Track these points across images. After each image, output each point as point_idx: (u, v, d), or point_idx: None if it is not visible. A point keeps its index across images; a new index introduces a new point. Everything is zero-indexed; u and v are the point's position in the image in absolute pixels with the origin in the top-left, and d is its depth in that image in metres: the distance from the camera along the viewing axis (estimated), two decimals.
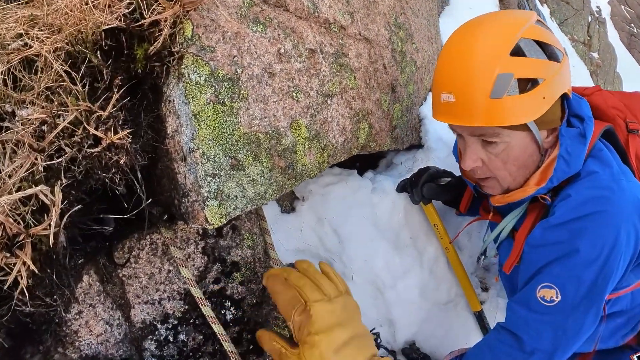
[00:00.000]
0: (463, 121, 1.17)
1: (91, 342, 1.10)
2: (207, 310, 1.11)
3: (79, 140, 0.97)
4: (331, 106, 1.30)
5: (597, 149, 1.26)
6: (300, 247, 1.59)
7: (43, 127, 0.98)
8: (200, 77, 0.99)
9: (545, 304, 1.17)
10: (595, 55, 6.69)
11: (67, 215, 0.94)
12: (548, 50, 1.18)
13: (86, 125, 0.97)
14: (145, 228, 1.09)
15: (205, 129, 1.00)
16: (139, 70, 1.00)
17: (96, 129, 0.98)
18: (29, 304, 0.93)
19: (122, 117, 1.01)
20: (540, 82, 1.14)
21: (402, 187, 1.69)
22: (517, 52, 1.13)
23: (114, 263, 1.14)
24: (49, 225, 0.90)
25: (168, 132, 1.04)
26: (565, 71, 1.21)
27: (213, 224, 1.03)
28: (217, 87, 1.02)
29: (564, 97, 1.25)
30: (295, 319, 0.68)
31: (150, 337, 1.18)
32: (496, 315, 1.76)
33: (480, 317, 1.72)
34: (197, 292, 1.12)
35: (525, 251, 1.28)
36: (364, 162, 1.89)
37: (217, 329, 1.11)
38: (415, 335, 1.66)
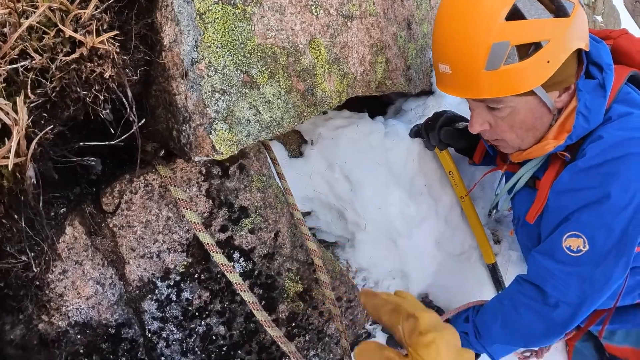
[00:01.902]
0: (460, 93, 1.08)
1: (80, 306, 0.89)
2: (219, 257, 0.89)
3: (52, 44, 0.72)
4: (351, 30, 1.06)
5: (624, 92, 1.12)
6: (309, 195, 1.39)
7: (4, 30, 0.72)
8: None
9: (572, 254, 1.07)
10: (599, 18, 6.29)
11: (34, 141, 0.70)
12: (554, 4, 1.01)
13: (61, 26, 0.72)
14: (138, 165, 0.86)
15: (213, 33, 0.76)
16: None
17: (74, 31, 0.73)
18: None
19: (107, 20, 0.75)
20: (544, 44, 0.98)
21: (415, 132, 1.49)
22: (514, 15, 0.97)
23: (103, 211, 0.91)
24: (9, 151, 0.66)
25: (165, 43, 0.80)
26: (577, 25, 1.03)
27: (222, 153, 0.81)
28: None
29: (580, 51, 1.09)
30: (405, 325, 0.59)
31: (149, 296, 0.97)
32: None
33: (493, 270, 1.57)
34: (205, 238, 0.90)
35: (550, 199, 1.16)
36: (371, 109, 1.67)
37: (233, 277, 0.90)
38: (428, 287, 1.50)
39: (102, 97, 0.77)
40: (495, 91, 1.02)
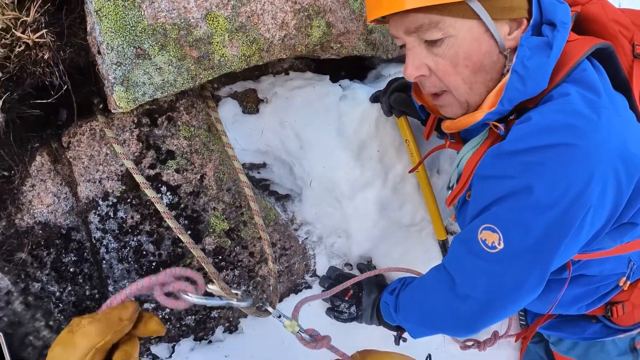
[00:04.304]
0: (388, 7, 1.08)
1: (42, 211, 1.49)
2: (140, 178, 1.37)
3: (10, 42, 1.29)
4: None
5: (579, 70, 1.10)
6: (261, 148, 1.80)
7: None
8: None
9: (486, 249, 1.10)
10: None
11: (1, 100, 1.28)
12: None
13: (14, 31, 1.27)
14: (76, 114, 1.41)
15: (107, 23, 1.23)
16: None
17: (23, 32, 1.28)
18: None
19: (44, 21, 1.29)
20: None
21: (375, 98, 1.73)
22: None
23: (63, 147, 1.49)
24: None
25: (88, 29, 1.30)
26: None
27: (122, 107, 1.30)
28: None
29: None
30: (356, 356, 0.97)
31: (93, 211, 1.53)
32: None
33: (444, 247, 1.79)
34: (130, 164, 1.39)
35: (473, 183, 1.21)
36: (351, 72, 1.97)
37: (160, 208, 1.37)
38: (370, 251, 1.81)
39: (48, 71, 1.32)
40: None
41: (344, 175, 1.74)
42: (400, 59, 1.92)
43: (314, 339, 1.26)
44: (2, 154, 1.37)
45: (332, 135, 1.75)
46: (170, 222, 1.38)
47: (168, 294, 0.84)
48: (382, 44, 1.78)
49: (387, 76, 1.93)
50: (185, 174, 1.57)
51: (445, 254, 1.80)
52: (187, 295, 0.84)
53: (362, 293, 1.72)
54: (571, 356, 1.62)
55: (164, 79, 1.32)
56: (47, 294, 1.60)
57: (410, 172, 1.74)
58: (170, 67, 1.32)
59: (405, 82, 1.65)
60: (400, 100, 1.63)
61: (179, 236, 1.37)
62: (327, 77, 1.83)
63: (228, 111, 1.73)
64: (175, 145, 1.55)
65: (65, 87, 1.32)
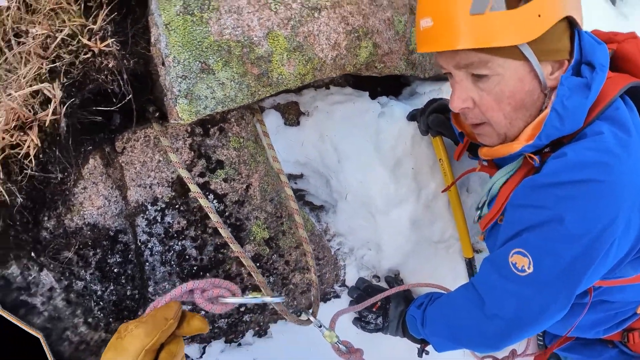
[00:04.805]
0: (443, 45, 1.14)
1: (92, 212, 1.52)
2: (194, 188, 1.40)
3: (75, 49, 1.32)
4: (319, 19, 1.46)
5: (612, 108, 1.16)
6: (300, 160, 1.84)
7: (47, 40, 1.34)
8: None
9: (516, 272, 1.16)
10: None
11: (65, 106, 1.31)
12: None
13: (80, 37, 1.30)
14: (134, 121, 1.44)
15: (175, 37, 1.27)
16: None
17: (89, 39, 1.31)
18: (39, 172, 1.34)
19: (110, 30, 1.32)
20: None
21: (412, 116, 1.79)
22: None
23: (116, 151, 1.52)
24: (51, 112, 1.28)
25: (152, 40, 1.33)
26: None
27: (184, 119, 1.33)
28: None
29: (574, 28, 1.18)
30: None
31: (141, 215, 1.57)
32: None
33: (470, 265, 1.84)
34: (185, 173, 1.43)
35: (507, 209, 1.27)
36: (386, 88, 2.02)
37: (214, 217, 1.40)
38: (400, 265, 1.87)
39: (110, 79, 1.35)
40: (481, 39, 1.08)
41: (380, 190, 1.79)
42: (435, 78, 1.97)
43: (349, 351, 1.31)
44: (60, 156, 1.40)
45: (369, 151, 1.79)
46: (223, 232, 1.41)
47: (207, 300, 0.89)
48: (420, 63, 1.83)
49: (422, 94, 1.98)
50: (232, 183, 1.61)
51: (471, 272, 1.86)
52: (224, 298, 0.89)
53: (390, 305, 1.77)
54: None
55: (225, 94, 1.36)
56: (89, 292, 1.63)
57: (443, 191, 1.79)
58: (232, 82, 1.36)
59: (443, 104, 1.70)
60: (438, 121, 1.69)
61: (231, 245, 1.41)
62: (367, 93, 1.88)
63: (271, 122, 1.77)
64: (225, 156, 1.58)
65: (130, 96, 1.35)
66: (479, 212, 1.58)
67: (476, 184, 1.90)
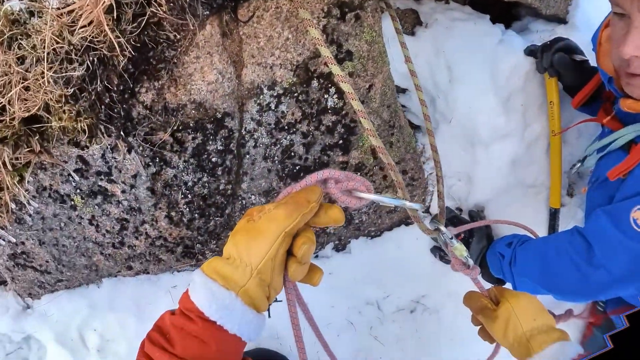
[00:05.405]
0: None
1: (201, 88, 1.30)
2: (336, 69, 1.15)
3: None
4: None
5: None
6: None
7: None
8: None
9: (636, 228, 1.13)
10: None
11: None
12: None
13: None
14: None
15: None
16: None
17: None
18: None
19: None
20: None
21: (530, 51, 1.69)
22: None
23: (237, 20, 1.29)
24: None
25: None
26: None
27: None
28: None
29: None
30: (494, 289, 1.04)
31: (254, 99, 1.36)
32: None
33: (554, 216, 1.79)
34: (326, 52, 1.21)
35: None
36: (496, 16, 1.88)
37: (356, 105, 1.18)
38: (487, 202, 1.79)
39: None
40: None
41: (488, 120, 1.68)
42: (551, 18, 1.85)
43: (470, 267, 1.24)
44: (185, 7, 1.16)
45: (485, 77, 1.67)
46: (365, 123, 1.24)
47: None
48: None
49: (533, 31, 1.86)
50: (356, 79, 1.43)
51: (553, 223, 1.81)
52: (361, 193, 0.80)
53: (472, 239, 1.69)
54: None
55: None
56: (178, 182, 1.43)
57: (555, 134, 1.71)
58: None
59: (571, 45, 1.61)
60: (563, 61, 1.59)
61: (371, 139, 1.22)
62: (488, 16, 1.74)
63: (387, 26, 1.59)
64: (356, 47, 1.39)
65: None
66: (578, 164, 1.56)
67: (573, 136, 1.82)
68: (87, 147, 1.34)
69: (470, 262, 1.17)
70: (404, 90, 1.73)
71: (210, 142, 1.38)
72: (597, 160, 1.46)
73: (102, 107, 1.27)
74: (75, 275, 1.81)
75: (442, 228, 1.24)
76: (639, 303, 1.56)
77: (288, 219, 0.69)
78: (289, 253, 0.75)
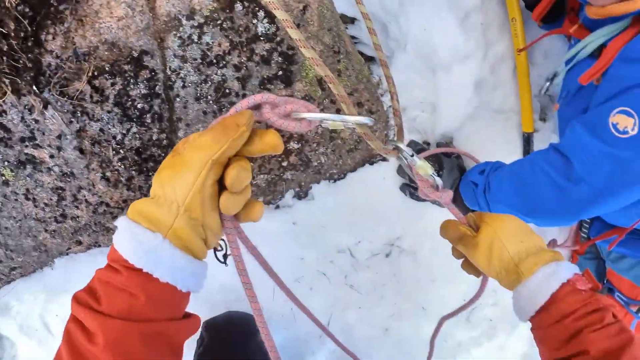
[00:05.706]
0: None
1: (111, 25, 1.16)
2: None
3: None
4: None
5: None
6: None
7: None
8: None
9: (616, 133, 1.05)
10: None
11: None
12: None
13: None
14: None
15: None
16: None
17: None
18: None
19: None
20: None
21: None
22: None
23: None
24: None
25: None
26: None
27: None
28: None
29: None
30: (473, 215, 0.93)
31: (174, 32, 1.22)
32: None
33: (527, 140, 1.66)
34: None
35: (613, 64, 1.14)
36: None
37: (293, 33, 1.05)
38: (455, 131, 1.65)
39: None
40: None
41: (445, 41, 1.54)
42: None
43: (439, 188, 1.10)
44: None
45: None
46: (306, 52, 1.09)
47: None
48: None
49: None
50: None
51: (528, 149, 1.68)
52: (302, 114, 0.68)
53: (443, 172, 1.56)
54: (628, 276, 1.57)
55: None
56: (106, 136, 1.30)
57: (520, 51, 1.57)
58: None
59: None
60: None
61: (316, 68, 1.10)
62: None
63: None
64: None
65: None
66: (548, 83, 1.45)
67: (540, 56, 1.67)
68: (5, 113, 1.21)
69: (439, 181, 1.04)
70: (352, 21, 1.58)
71: (132, 86, 1.24)
72: (566, 72, 1.36)
73: (3, 57, 1.14)
74: (27, 260, 1.69)
75: (401, 145, 1.11)
76: (620, 222, 1.45)
77: (215, 145, 0.60)
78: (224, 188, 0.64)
